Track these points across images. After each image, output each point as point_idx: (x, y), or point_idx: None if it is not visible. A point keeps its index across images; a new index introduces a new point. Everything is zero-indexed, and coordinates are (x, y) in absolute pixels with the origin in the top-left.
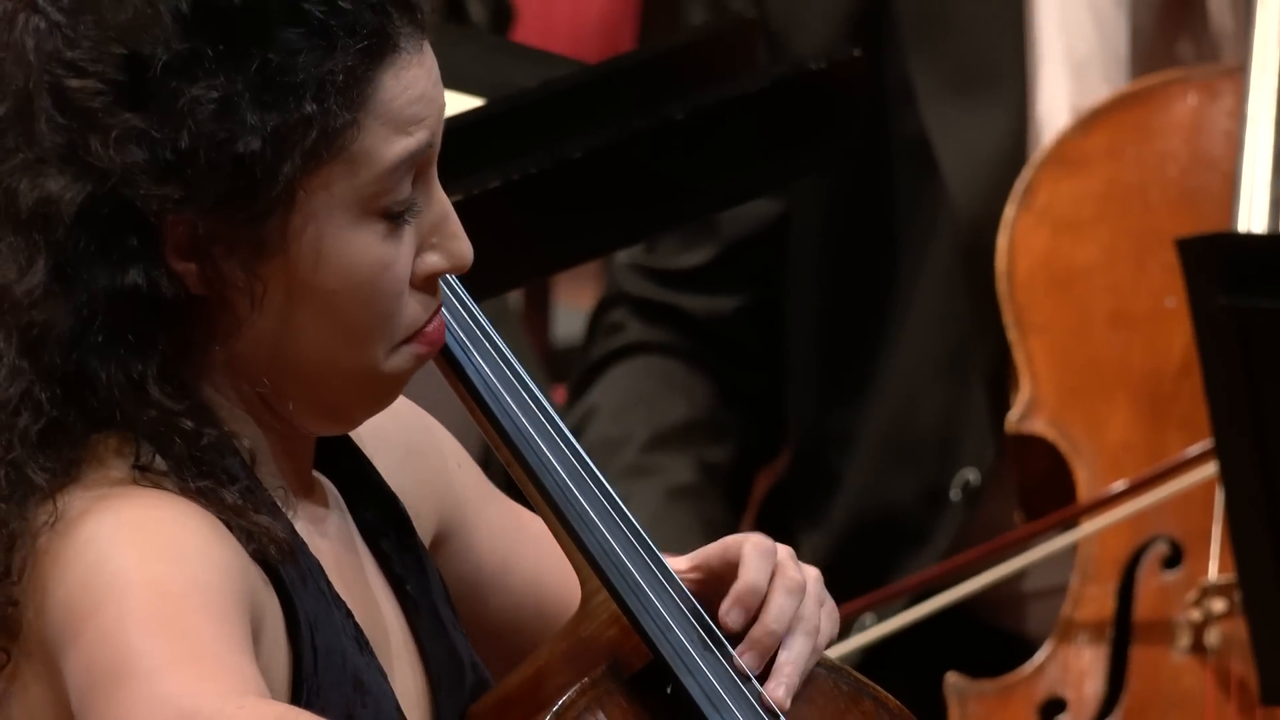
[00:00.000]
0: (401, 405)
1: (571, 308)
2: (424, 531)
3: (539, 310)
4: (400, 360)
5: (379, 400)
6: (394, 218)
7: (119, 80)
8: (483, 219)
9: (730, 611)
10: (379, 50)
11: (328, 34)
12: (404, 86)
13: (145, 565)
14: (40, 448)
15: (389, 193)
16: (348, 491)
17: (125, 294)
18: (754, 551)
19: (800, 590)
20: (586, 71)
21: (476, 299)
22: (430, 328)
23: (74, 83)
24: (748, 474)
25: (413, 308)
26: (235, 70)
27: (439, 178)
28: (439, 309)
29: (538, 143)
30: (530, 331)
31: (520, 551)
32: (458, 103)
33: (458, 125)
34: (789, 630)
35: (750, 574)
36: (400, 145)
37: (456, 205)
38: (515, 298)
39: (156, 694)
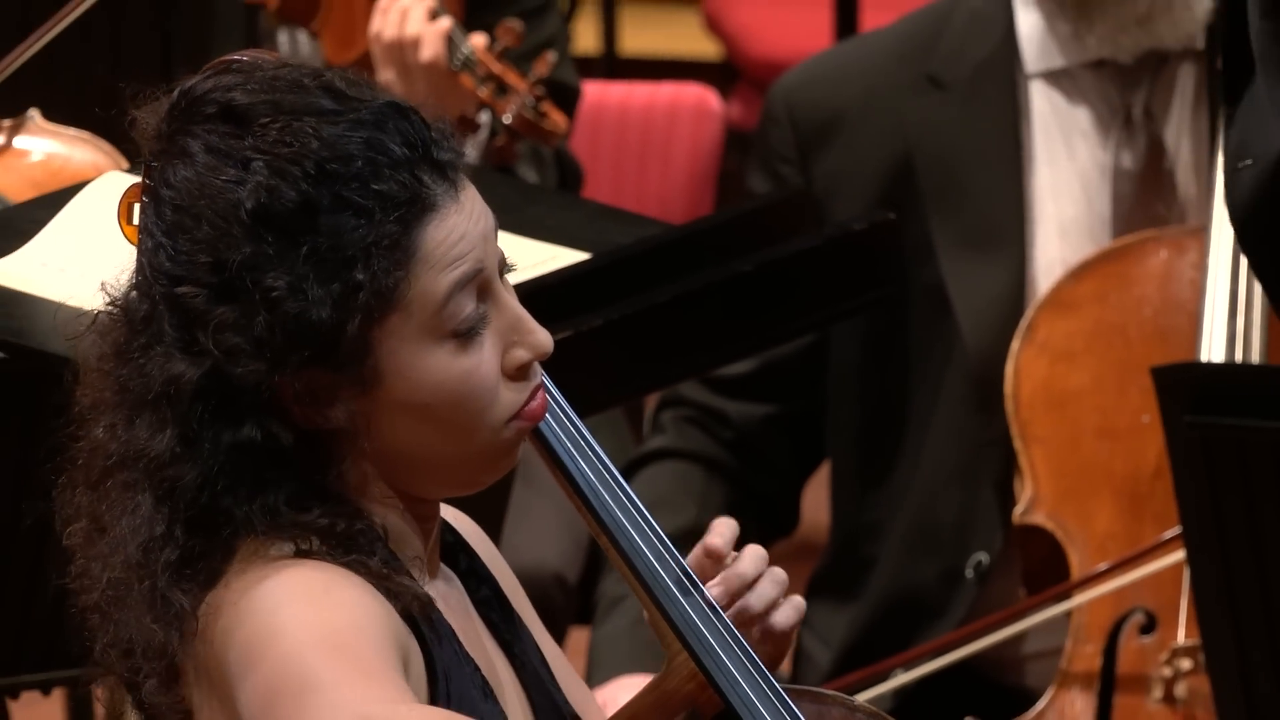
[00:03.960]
0: (491, 548)
1: None
2: None
3: (634, 421)
4: (507, 434)
5: (498, 466)
6: (465, 334)
7: (210, 282)
8: (587, 351)
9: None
10: (416, 213)
11: (368, 212)
12: (445, 234)
13: (316, 612)
14: (181, 574)
15: (452, 318)
16: (464, 576)
17: (245, 446)
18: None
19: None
20: (672, 231)
21: (583, 415)
22: (530, 405)
23: (179, 289)
24: None
25: (508, 396)
26: (295, 257)
27: (553, 317)
28: (536, 389)
29: (632, 290)
30: (628, 432)
31: (569, 681)
32: (567, 256)
33: (567, 275)
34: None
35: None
36: (448, 279)
37: (565, 340)
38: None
39: (336, 700)
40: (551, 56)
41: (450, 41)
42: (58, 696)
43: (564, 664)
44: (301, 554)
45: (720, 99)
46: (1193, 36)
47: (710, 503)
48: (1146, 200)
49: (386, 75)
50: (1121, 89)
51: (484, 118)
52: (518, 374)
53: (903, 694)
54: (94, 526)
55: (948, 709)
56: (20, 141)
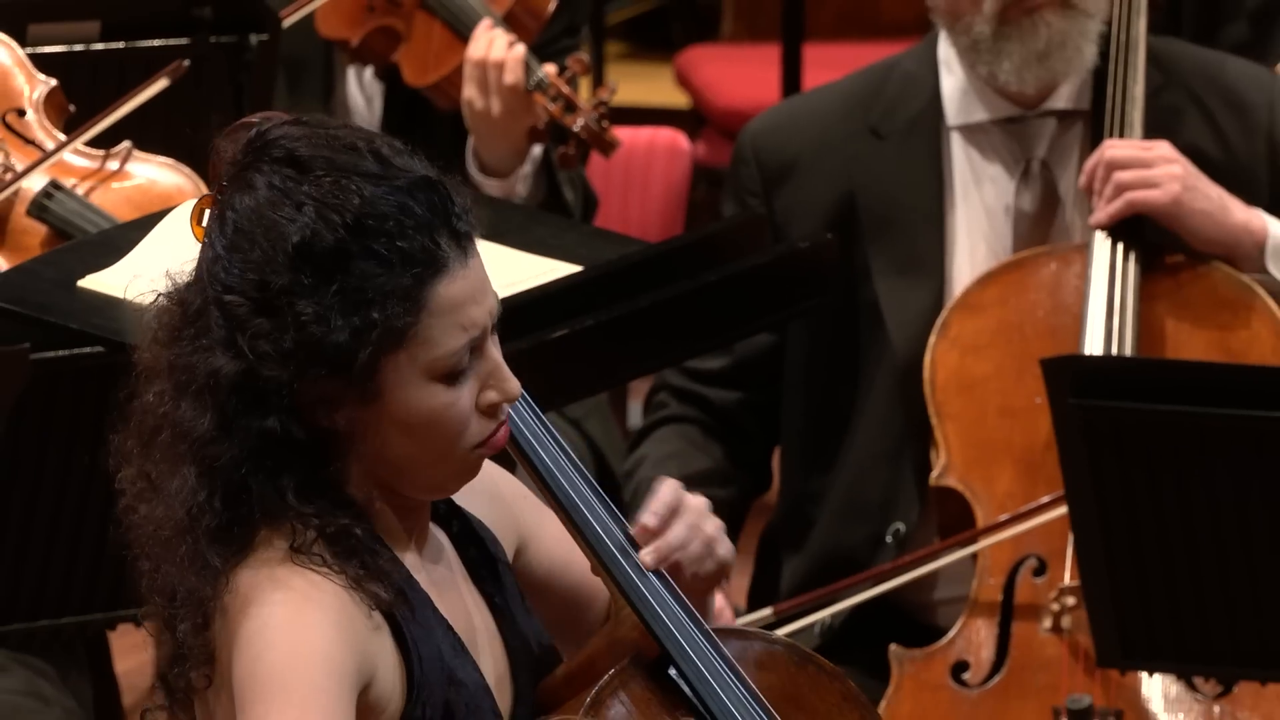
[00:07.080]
0: (487, 466)
1: (641, 402)
2: (508, 547)
3: (618, 405)
4: (472, 457)
5: (463, 479)
6: (453, 378)
7: (253, 297)
8: (581, 347)
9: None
10: (430, 271)
11: (390, 263)
12: (453, 294)
13: (298, 670)
14: (216, 539)
15: (450, 367)
16: (456, 539)
17: (267, 434)
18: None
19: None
20: (650, 248)
21: (575, 399)
22: (495, 437)
23: (228, 297)
24: (742, 510)
25: (477, 428)
26: (325, 291)
27: (553, 319)
28: (502, 423)
29: (618, 296)
30: (613, 419)
31: (575, 553)
32: (564, 269)
33: (564, 285)
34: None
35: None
36: (456, 339)
37: (562, 338)
38: (603, 396)
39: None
40: (613, 84)
41: (527, 67)
42: (150, 628)
43: (567, 557)
44: (295, 550)
45: (689, 141)
46: (1082, 76)
47: (712, 452)
48: (1040, 237)
49: (470, 91)
50: (1023, 143)
51: (534, 150)
52: (488, 411)
53: (833, 628)
54: (143, 480)
55: (877, 642)
56: (118, 167)
